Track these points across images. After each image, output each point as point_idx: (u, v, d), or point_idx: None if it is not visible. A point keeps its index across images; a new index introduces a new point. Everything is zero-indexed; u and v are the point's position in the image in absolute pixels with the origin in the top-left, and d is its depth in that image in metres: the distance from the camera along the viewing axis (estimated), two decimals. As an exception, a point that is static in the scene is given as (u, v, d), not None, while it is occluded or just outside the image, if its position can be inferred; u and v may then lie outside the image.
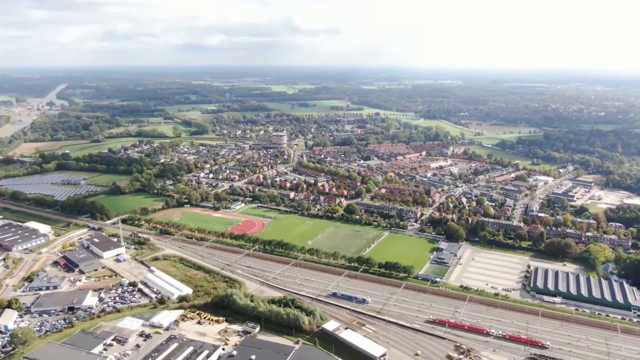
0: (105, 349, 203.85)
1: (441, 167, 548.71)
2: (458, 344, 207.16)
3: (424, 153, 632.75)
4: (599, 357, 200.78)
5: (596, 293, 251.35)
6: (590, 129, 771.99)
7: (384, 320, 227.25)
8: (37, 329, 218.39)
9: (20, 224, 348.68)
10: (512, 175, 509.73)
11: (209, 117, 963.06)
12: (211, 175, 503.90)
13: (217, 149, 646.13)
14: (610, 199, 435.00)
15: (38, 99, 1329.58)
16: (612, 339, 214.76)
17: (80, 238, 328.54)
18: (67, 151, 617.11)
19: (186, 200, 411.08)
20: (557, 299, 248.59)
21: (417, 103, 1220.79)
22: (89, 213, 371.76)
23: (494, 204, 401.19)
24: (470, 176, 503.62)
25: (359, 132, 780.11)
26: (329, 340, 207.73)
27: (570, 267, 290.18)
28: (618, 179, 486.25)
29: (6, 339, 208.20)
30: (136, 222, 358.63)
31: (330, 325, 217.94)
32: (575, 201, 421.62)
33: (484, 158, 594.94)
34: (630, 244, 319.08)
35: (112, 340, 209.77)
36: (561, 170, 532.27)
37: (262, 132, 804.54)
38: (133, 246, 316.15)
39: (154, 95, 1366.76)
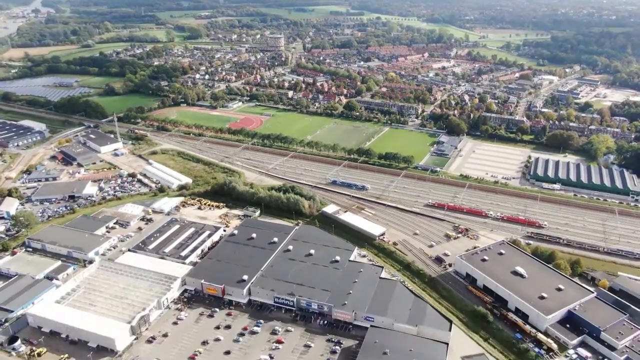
0: (108, 231, 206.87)
1: (444, 68, 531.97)
2: (456, 225, 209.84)
3: (426, 55, 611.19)
4: (595, 235, 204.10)
5: (596, 180, 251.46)
6: (600, 31, 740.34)
7: (383, 204, 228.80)
8: (39, 215, 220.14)
9: (14, 122, 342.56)
10: (517, 74, 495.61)
11: (202, 22, 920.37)
12: (207, 77, 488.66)
13: (213, 52, 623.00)
14: (616, 97, 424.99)
15: (22, 7, 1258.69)
16: (609, 219, 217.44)
17: (76, 135, 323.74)
18: (57, 55, 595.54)
19: (182, 100, 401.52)
20: (557, 186, 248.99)
21: (420, 8, 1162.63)
22: (83, 112, 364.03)
23: (496, 101, 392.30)
24: (473, 76, 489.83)
25: (360, 35, 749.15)
26: (329, 222, 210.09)
27: (571, 158, 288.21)
28: (625, 78, 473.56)
29: (9, 223, 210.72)
30: (132, 120, 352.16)
31: (330, 209, 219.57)
32: (580, 99, 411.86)
33: (488, 59, 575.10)
34: (633, 136, 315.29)
35: (114, 223, 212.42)
36: (567, 70, 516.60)
37: (258, 36, 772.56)
38: (130, 142, 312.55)
39: (144, 1, 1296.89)
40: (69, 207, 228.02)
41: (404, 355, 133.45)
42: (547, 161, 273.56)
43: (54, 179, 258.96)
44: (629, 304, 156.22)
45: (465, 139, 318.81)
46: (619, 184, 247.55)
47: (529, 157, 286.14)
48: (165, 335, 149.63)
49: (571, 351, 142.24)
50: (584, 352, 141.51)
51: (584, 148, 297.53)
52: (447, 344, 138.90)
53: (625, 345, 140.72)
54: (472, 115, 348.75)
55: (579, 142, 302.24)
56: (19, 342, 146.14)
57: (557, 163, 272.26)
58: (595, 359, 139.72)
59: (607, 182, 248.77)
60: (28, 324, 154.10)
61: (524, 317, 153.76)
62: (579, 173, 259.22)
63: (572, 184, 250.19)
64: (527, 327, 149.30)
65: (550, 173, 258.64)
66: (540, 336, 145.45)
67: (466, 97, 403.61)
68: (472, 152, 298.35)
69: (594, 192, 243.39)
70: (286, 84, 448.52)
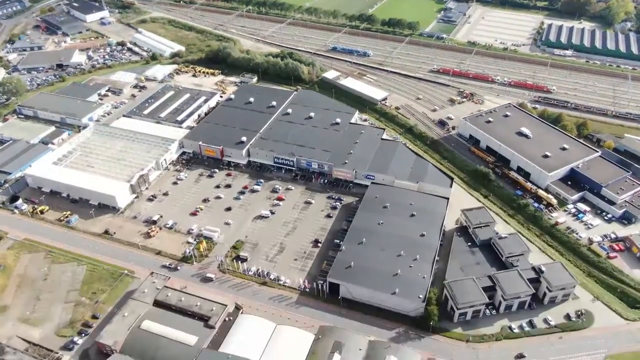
0: (100, 99, 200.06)
1: None
2: (461, 90, 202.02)
3: None
4: (604, 99, 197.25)
5: (611, 46, 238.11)
6: None
7: (386, 70, 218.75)
8: (28, 83, 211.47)
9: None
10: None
11: None
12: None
13: None
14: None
15: None
16: (620, 85, 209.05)
17: (59, 4, 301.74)
18: None
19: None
20: (568, 52, 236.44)
21: None
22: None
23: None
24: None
25: None
26: (329, 88, 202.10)
27: (586, 25, 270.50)
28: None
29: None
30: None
31: (330, 75, 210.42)
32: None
33: None
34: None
35: (107, 91, 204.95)
36: None
37: None
38: (117, 10, 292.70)
39: None
40: (58, 76, 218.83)
41: (405, 208, 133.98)
42: (560, 27, 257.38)
43: (40, 48, 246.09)
44: (632, 162, 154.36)
45: (474, 5, 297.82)
46: (635, 50, 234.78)
47: (542, 23, 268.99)
48: (165, 194, 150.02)
49: (570, 206, 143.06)
50: (582, 206, 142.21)
51: (601, 14, 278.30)
52: (448, 199, 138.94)
53: (625, 200, 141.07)
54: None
55: (596, 7, 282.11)
56: (20, 201, 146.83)
57: (571, 29, 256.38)
58: (594, 213, 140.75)
59: (622, 48, 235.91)
60: (27, 184, 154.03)
61: (526, 175, 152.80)
62: (594, 39, 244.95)
63: (585, 50, 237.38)
64: (528, 185, 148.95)
65: (563, 39, 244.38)
66: (541, 192, 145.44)
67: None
68: (481, 19, 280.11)
69: (608, 59, 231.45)
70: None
